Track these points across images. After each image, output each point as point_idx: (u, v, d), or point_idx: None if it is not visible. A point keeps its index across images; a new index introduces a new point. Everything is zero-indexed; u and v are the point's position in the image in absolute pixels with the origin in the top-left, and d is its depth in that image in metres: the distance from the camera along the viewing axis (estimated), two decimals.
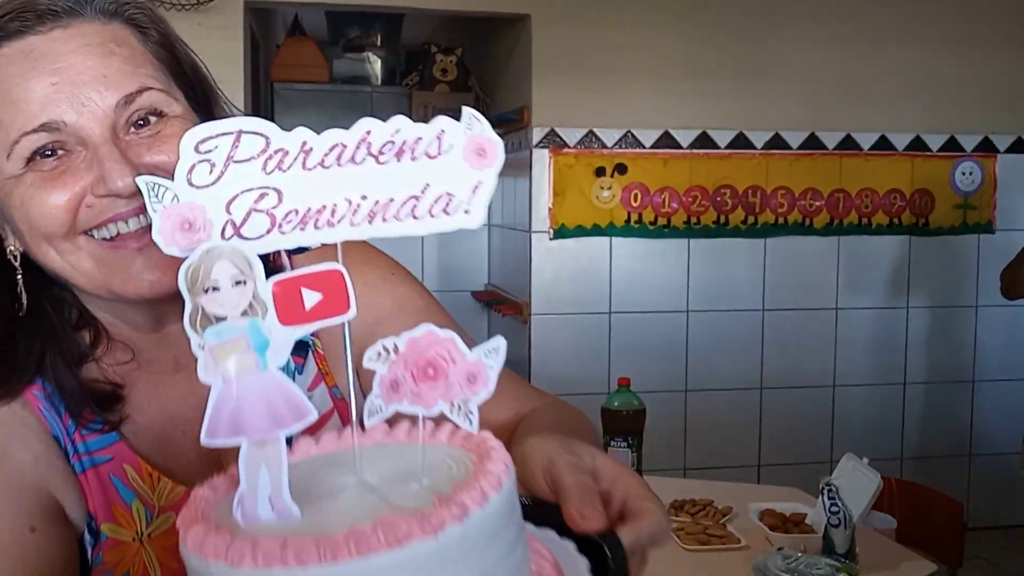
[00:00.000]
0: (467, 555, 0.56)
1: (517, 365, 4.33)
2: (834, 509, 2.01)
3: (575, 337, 4.12)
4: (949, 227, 4.37)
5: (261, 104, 4.76)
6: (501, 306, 4.41)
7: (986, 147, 4.36)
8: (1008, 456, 4.45)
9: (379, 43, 5.15)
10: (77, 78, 0.80)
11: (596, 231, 4.07)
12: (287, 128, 0.61)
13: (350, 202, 0.64)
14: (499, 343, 0.64)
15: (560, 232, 4.03)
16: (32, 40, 0.80)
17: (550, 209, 4.02)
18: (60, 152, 0.80)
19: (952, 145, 4.33)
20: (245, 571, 0.53)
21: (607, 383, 3.82)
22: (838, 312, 4.33)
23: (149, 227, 0.68)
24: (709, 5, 4.11)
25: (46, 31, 0.81)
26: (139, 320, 0.90)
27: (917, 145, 4.30)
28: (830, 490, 2.02)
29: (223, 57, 3.71)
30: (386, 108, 5.05)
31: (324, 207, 0.64)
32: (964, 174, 4.35)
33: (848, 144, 4.24)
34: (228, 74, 3.82)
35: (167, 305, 0.86)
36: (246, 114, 0.70)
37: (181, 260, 0.60)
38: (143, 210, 0.79)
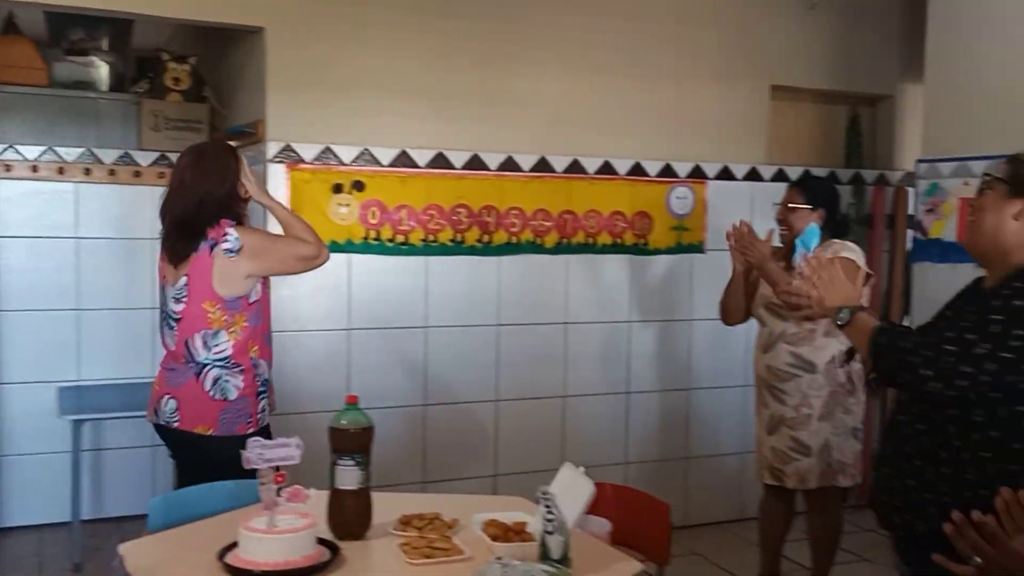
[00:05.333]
0: None
1: None
2: (549, 517, 2.12)
3: (314, 354, 4.08)
4: (666, 247, 4.71)
5: None
6: None
7: (697, 174, 4.75)
8: (718, 458, 4.86)
9: (106, 47, 4.87)
10: None
11: (334, 247, 4.02)
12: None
13: None
14: None
15: None
16: None
17: None
18: None
19: (668, 171, 4.68)
20: None
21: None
22: (567, 327, 4.55)
23: None
24: (446, 30, 4.22)
25: None
26: None
27: (637, 171, 4.61)
28: (546, 498, 2.13)
29: None
30: (113, 116, 4.80)
31: None
32: (678, 198, 4.71)
33: (575, 168, 4.48)
34: None
35: None
36: None
37: None
38: None
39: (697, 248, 4.77)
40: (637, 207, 4.61)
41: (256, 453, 2.19)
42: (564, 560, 2.11)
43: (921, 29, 4.40)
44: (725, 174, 4.80)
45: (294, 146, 3.97)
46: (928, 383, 1.95)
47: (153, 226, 4.72)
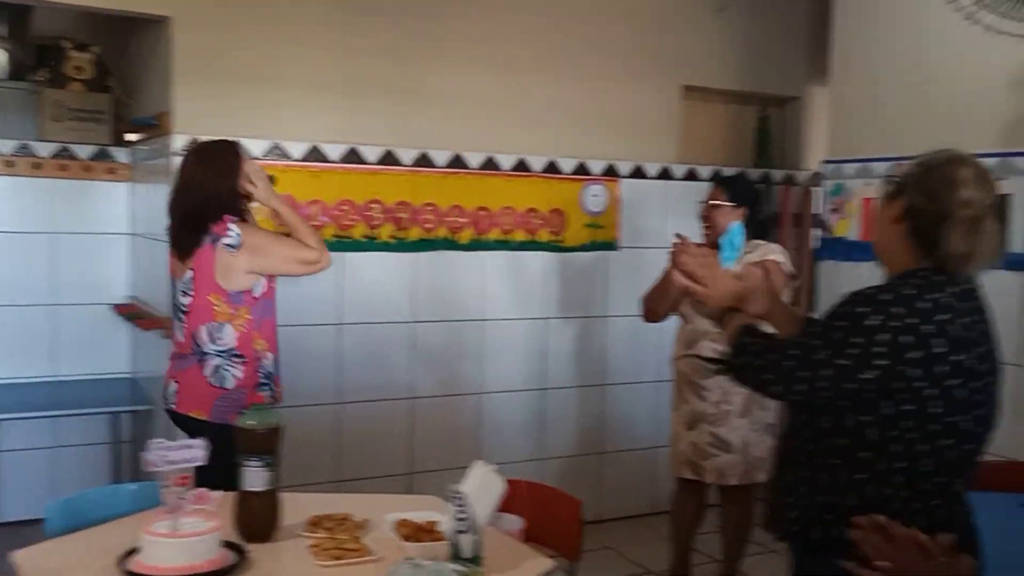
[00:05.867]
0: None
1: (156, 381, 4.11)
2: (461, 516, 2.10)
3: None
4: (580, 245, 4.74)
5: None
6: (142, 320, 4.17)
7: (611, 172, 4.78)
8: (632, 452, 4.91)
9: (4, 34, 4.68)
10: None
11: None
12: None
13: None
14: None
15: None
16: None
17: None
18: None
19: (582, 170, 4.71)
20: None
21: None
22: (484, 323, 4.54)
23: None
24: (359, 23, 4.16)
25: None
26: None
27: (552, 168, 4.63)
28: (457, 497, 2.11)
29: None
30: (11, 105, 4.62)
31: None
32: (593, 196, 4.74)
33: (490, 165, 4.47)
34: None
35: None
36: None
37: None
38: None
39: (611, 245, 4.81)
40: (552, 204, 4.63)
41: (159, 455, 2.13)
42: (475, 559, 2.10)
43: (828, 33, 4.51)
44: (638, 173, 4.85)
45: (201, 139, 3.84)
46: (769, 386, 1.95)
47: (55, 219, 4.63)
